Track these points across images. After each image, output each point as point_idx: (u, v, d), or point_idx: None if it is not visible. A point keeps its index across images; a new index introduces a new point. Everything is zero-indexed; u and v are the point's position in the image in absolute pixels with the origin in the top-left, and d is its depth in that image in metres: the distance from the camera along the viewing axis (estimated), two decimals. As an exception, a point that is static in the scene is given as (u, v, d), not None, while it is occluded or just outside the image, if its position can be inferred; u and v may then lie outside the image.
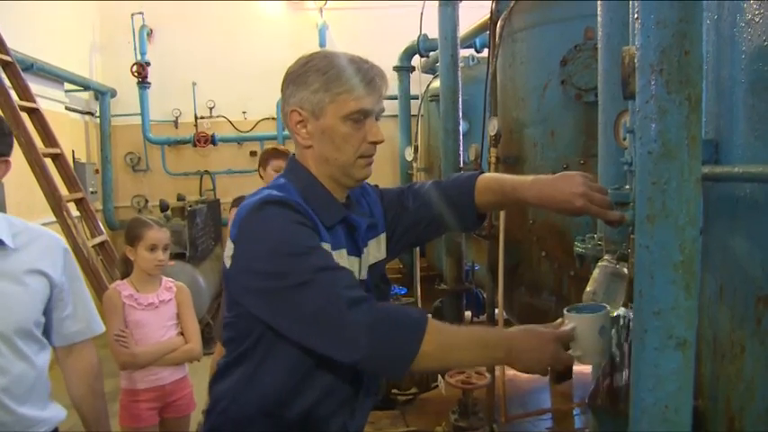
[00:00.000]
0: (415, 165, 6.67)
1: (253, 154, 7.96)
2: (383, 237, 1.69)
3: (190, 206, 6.30)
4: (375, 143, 1.50)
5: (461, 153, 4.21)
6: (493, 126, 3.61)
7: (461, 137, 4.24)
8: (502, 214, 3.52)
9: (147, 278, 2.85)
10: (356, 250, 1.56)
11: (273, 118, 8.03)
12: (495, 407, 3.65)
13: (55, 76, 6.28)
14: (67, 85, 6.81)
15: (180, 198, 6.82)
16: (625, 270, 1.66)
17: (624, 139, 1.80)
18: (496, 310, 3.78)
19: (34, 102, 4.76)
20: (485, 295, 3.98)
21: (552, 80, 3.41)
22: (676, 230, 0.98)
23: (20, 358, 1.70)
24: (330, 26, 8.13)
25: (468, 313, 4.48)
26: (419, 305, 5.32)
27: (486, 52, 5.51)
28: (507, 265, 3.50)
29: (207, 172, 7.93)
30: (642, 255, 1.03)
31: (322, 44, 7.98)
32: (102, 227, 4.98)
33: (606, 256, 1.82)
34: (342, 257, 1.49)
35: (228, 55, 7.92)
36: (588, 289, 1.81)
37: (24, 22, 5.43)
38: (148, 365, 2.78)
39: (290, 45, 7.80)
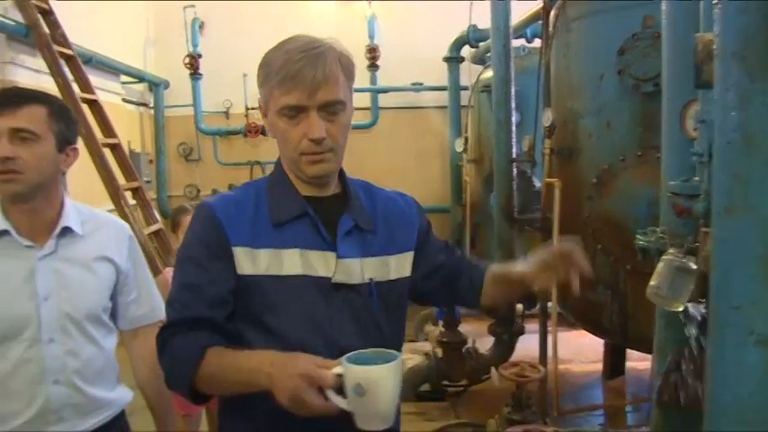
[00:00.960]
0: (464, 156, 6.63)
1: (302, 145, 7.98)
2: (402, 258, 1.60)
3: (241, 196, 6.38)
4: (314, 140, 1.42)
5: (514, 145, 4.18)
6: (547, 117, 3.56)
7: (514, 128, 4.20)
8: (556, 205, 3.47)
9: None
10: (326, 245, 1.49)
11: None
12: (548, 401, 3.62)
13: (112, 69, 6.43)
14: (124, 78, 6.96)
15: (231, 187, 6.92)
16: (692, 264, 1.62)
17: (694, 129, 1.75)
18: (549, 304, 3.74)
19: (94, 94, 4.88)
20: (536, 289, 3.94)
21: (609, 70, 3.35)
22: (758, 223, 0.95)
23: (90, 342, 1.76)
24: (379, 18, 8.10)
25: (519, 306, 4.44)
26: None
27: (537, 42, 5.45)
28: (562, 257, 3.45)
29: (257, 162, 8.01)
30: (720, 248, 1.00)
31: (371, 36, 7.99)
32: (156, 215, 5.09)
33: (671, 250, 1.78)
34: (293, 256, 1.48)
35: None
36: (652, 283, 1.78)
37: (84, 17, 5.55)
38: None
39: (339, 37, 7.74)
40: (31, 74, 4.80)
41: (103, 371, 1.78)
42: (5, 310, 1.65)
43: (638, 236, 2.11)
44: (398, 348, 1.55)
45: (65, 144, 1.74)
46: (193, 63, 7.77)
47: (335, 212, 1.52)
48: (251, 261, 1.46)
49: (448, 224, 7.57)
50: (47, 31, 4.58)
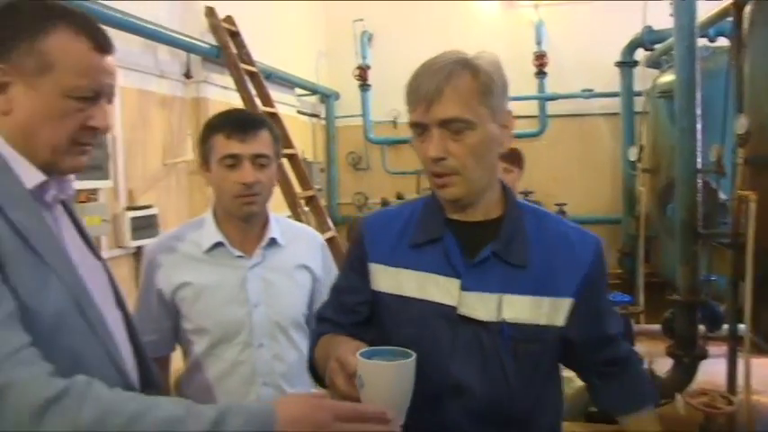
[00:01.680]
0: (638, 165, 6.31)
1: (468, 153, 7.98)
2: (557, 303, 1.43)
3: (409, 204, 6.49)
4: (431, 159, 1.38)
5: (698, 154, 3.90)
6: (741, 124, 3.29)
7: (699, 136, 3.92)
8: (751, 220, 3.20)
9: None
10: (453, 273, 1.43)
11: (488, 117, 7.99)
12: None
13: (289, 83, 6.78)
14: (298, 90, 7.31)
15: (399, 196, 7.04)
16: None
17: None
18: (740, 327, 3.45)
19: (273, 107, 5.17)
20: (722, 309, 3.66)
21: (817, 71, 3.05)
22: None
23: (293, 347, 1.87)
24: (547, 23, 7.93)
25: (701, 327, 4.14)
26: (644, 315, 5.03)
27: (721, 42, 5.07)
28: (756, 277, 3.17)
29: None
30: None
31: (539, 42, 7.84)
32: (329, 222, 5.28)
33: None
34: (411, 278, 1.45)
35: (445, 55, 8.01)
36: None
37: (264, 36, 5.89)
38: None
39: (506, 44, 7.72)
40: (220, 90, 5.17)
41: (303, 374, 1.89)
42: (223, 314, 1.79)
43: None
44: (530, 410, 1.42)
45: (278, 163, 1.88)
46: (362, 75, 8.01)
47: (482, 240, 1.43)
48: (383, 278, 1.48)
49: (618, 236, 7.24)
50: (234, 51, 4.92)
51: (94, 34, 1.20)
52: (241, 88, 4.78)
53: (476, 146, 1.36)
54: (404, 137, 8.12)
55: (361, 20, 8.11)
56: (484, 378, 1.39)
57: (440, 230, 1.45)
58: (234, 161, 1.77)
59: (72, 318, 1.12)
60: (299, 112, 7.33)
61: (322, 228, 5.10)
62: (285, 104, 6.54)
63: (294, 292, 1.88)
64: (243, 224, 1.84)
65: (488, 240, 1.43)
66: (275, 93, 5.51)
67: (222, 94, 5.18)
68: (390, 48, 8.18)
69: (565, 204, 7.22)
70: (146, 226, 4.22)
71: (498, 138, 1.42)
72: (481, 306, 1.40)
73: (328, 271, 2.00)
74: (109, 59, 1.23)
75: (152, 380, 1.36)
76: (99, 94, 1.21)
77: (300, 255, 1.93)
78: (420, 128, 1.41)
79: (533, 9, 7.93)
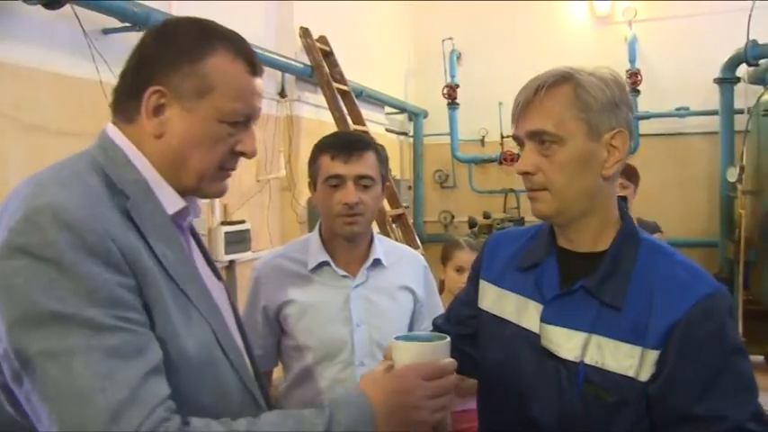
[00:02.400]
0: (738, 187, 6.05)
1: (556, 173, 7.86)
2: (646, 354, 1.26)
3: (497, 223, 6.43)
4: (520, 174, 1.37)
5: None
6: None
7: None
8: None
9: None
10: (541, 302, 1.38)
11: (577, 136, 7.83)
12: None
13: (378, 101, 6.87)
14: (387, 109, 7.40)
15: (486, 216, 7.00)
16: None
17: None
18: None
19: (364, 125, 5.25)
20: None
21: None
22: None
23: None
24: (640, 39, 7.74)
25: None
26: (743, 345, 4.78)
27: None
28: None
29: (511, 190, 8.01)
30: None
31: (632, 59, 7.64)
32: (417, 240, 5.30)
33: None
34: (510, 300, 1.43)
35: (534, 74, 7.84)
36: None
37: (354, 54, 6.00)
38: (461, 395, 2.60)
39: (598, 61, 7.51)
40: (312, 108, 5.30)
41: None
42: (326, 333, 1.84)
43: None
44: None
45: (384, 184, 1.91)
46: (451, 93, 8.03)
47: (582, 272, 1.34)
48: (488, 296, 1.48)
49: (715, 260, 6.93)
50: (327, 70, 5.04)
51: (249, 57, 1.18)
52: (333, 107, 4.88)
53: (566, 163, 1.28)
54: (491, 155, 8.08)
55: (450, 38, 8.13)
56: (560, 421, 1.31)
57: (543, 255, 1.41)
58: (337, 181, 1.82)
59: (213, 350, 1.12)
60: (387, 130, 7.41)
61: (411, 246, 5.13)
62: (374, 122, 6.63)
63: (396, 313, 1.91)
64: (347, 244, 1.88)
65: (587, 274, 1.33)
66: (365, 111, 5.60)
67: (314, 113, 5.31)
68: (479, 66, 8.18)
69: (659, 228, 6.98)
70: (239, 241, 4.35)
71: (598, 158, 1.31)
72: (564, 341, 1.31)
73: (430, 293, 2.02)
74: (259, 82, 1.21)
75: (268, 399, 1.36)
76: (250, 118, 1.19)
77: (403, 276, 1.95)
78: (517, 141, 1.38)
79: (626, 26, 7.76)
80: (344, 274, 1.88)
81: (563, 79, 1.33)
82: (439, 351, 1.18)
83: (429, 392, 1.12)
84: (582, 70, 1.33)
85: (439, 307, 2.05)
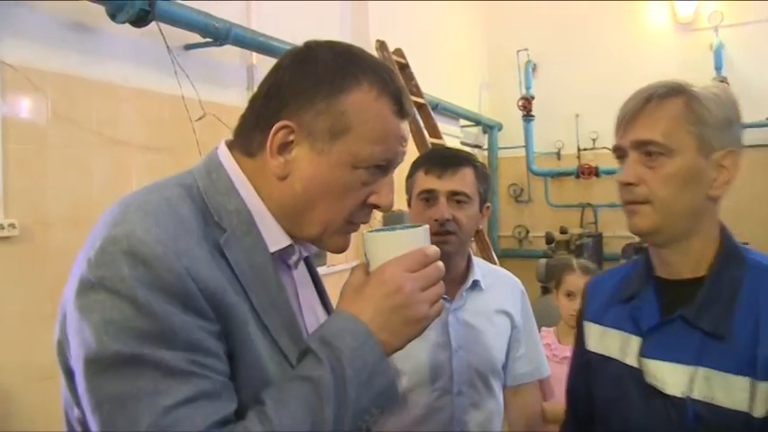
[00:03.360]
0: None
1: (638, 186, 7.58)
2: (756, 386, 1.15)
3: (575, 239, 6.22)
4: (622, 184, 1.29)
5: None
6: None
7: None
8: None
9: (571, 329, 2.47)
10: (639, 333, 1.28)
11: (661, 148, 7.52)
12: None
13: (453, 114, 6.78)
14: (462, 121, 7.29)
15: (563, 231, 6.78)
16: None
17: None
18: None
19: (441, 138, 5.17)
20: None
21: None
22: None
23: (491, 396, 1.79)
24: (727, 45, 7.40)
25: None
26: None
27: None
28: None
29: (589, 204, 7.77)
30: None
31: (718, 67, 7.31)
32: (494, 256, 5.17)
33: None
34: (613, 336, 1.34)
35: (612, 84, 7.59)
36: None
37: (428, 67, 5.93)
38: (546, 422, 2.47)
39: (681, 70, 7.24)
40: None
41: (496, 423, 1.80)
42: (423, 358, 1.75)
43: None
44: None
45: (483, 203, 1.81)
46: (526, 105, 7.84)
47: (682, 301, 1.24)
48: (592, 336, 1.40)
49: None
50: (403, 83, 4.98)
51: (397, 95, 1.03)
52: (410, 120, 4.81)
53: (672, 176, 1.22)
54: (567, 168, 7.86)
55: (525, 49, 7.97)
56: None
57: (640, 286, 1.33)
58: (429, 196, 1.74)
59: None
60: (462, 143, 7.30)
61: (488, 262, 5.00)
62: (449, 135, 6.54)
63: (494, 338, 1.81)
64: (444, 265, 1.78)
65: (688, 302, 1.24)
66: (440, 124, 5.51)
67: (387, 126, 5.26)
68: (555, 77, 8.00)
69: (747, 244, 6.62)
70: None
71: (707, 176, 1.24)
72: (669, 376, 1.22)
73: (527, 318, 1.91)
74: (405, 125, 1.07)
75: None
76: (391, 164, 1.05)
77: (501, 299, 1.85)
78: (619, 152, 1.31)
79: (712, 31, 7.43)
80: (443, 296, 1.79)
81: (675, 91, 1.27)
82: (419, 238, 1.04)
83: (420, 284, 1.00)
84: (694, 85, 1.27)
85: (535, 333, 1.93)
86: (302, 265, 1.20)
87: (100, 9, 2.77)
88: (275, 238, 1.03)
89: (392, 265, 0.98)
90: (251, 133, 1.03)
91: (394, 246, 1.01)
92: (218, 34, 3.20)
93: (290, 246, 1.05)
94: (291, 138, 0.99)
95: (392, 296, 0.97)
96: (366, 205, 1.05)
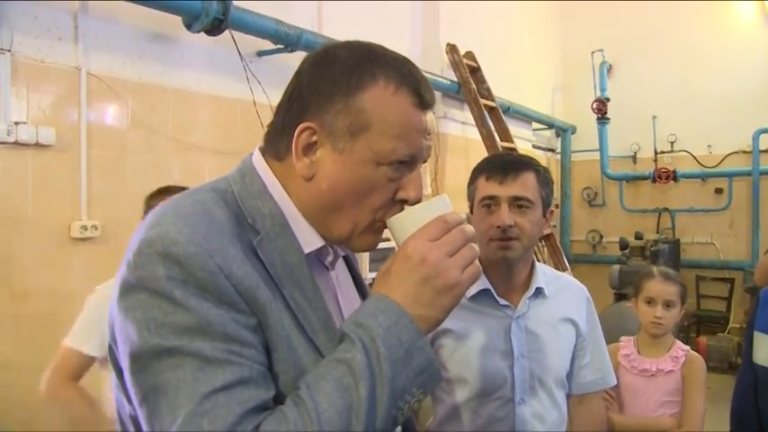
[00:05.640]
0: None
1: (718, 191, 7.29)
2: None
3: (651, 245, 6.04)
4: None
5: None
6: None
7: None
8: None
9: (651, 339, 2.43)
10: None
11: (746, 151, 7.21)
12: None
13: (526, 117, 6.70)
14: (534, 125, 7.19)
15: (638, 236, 6.59)
16: None
17: None
18: None
19: (512, 142, 5.11)
20: None
21: None
22: None
23: (554, 406, 1.74)
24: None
25: None
26: None
27: None
28: None
29: (666, 209, 7.53)
30: None
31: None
32: (566, 262, 5.08)
33: None
34: None
35: (692, 85, 7.43)
36: None
37: (501, 70, 5.87)
38: None
39: (765, 69, 7.01)
40: (459, 125, 5.24)
41: None
42: (484, 366, 1.72)
43: None
44: None
45: (547, 208, 1.78)
46: (601, 107, 7.65)
47: None
48: (763, 349, 1.30)
49: None
50: (474, 86, 4.95)
51: (417, 87, 1.02)
52: (480, 124, 4.79)
53: None
54: (643, 172, 7.64)
55: (600, 50, 7.80)
56: None
57: None
58: (491, 202, 1.71)
59: None
60: (534, 146, 7.21)
61: (559, 268, 4.92)
62: (521, 139, 6.47)
63: (558, 347, 1.76)
64: (507, 271, 1.76)
65: None
66: (511, 127, 5.45)
67: (461, 130, 5.24)
68: (631, 78, 7.80)
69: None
70: (383, 258, 4.32)
71: None
72: None
73: (593, 326, 1.85)
74: (429, 116, 1.06)
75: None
76: (416, 158, 1.03)
77: (566, 307, 1.80)
78: None
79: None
80: (505, 303, 1.76)
81: None
82: (437, 208, 0.99)
83: (446, 249, 0.95)
84: None
85: (601, 341, 1.88)
86: (343, 266, 1.21)
87: (176, 19, 2.88)
88: (309, 240, 1.03)
89: (413, 239, 0.96)
90: (278, 138, 1.04)
91: (413, 221, 0.98)
92: (290, 40, 3.26)
93: (324, 246, 1.06)
94: (315, 139, 1.00)
95: (418, 268, 0.94)
96: (394, 202, 1.04)
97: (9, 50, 2.40)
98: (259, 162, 1.06)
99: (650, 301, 2.41)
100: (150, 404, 0.87)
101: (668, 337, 2.44)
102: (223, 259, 0.90)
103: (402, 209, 1.04)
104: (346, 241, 1.05)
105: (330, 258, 1.10)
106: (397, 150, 0.99)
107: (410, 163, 1.02)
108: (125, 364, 0.90)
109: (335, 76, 1.00)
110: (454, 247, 0.95)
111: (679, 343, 2.45)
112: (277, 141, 1.05)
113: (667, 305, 2.39)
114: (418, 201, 1.03)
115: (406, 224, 0.99)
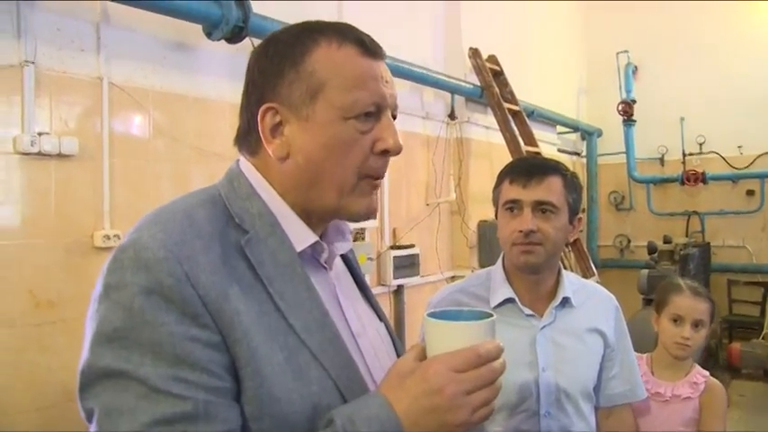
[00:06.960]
0: None
1: (749, 193, 7.16)
2: None
3: (680, 249, 5.93)
4: None
5: None
6: None
7: None
8: None
9: (670, 360, 2.20)
10: None
11: (777, 153, 7.09)
12: None
13: (550, 121, 6.62)
14: (559, 128, 7.12)
15: (666, 240, 6.47)
16: None
17: None
18: None
19: (536, 146, 5.06)
20: None
21: None
22: None
23: (581, 419, 1.70)
24: None
25: None
26: None
27: None
28: None
29: (695, 212, 7.40)
30: None
31: None
32: (593, 267, 5.00)
33: None
34: None
35: (721, 85, 7.30)
36: None
37: (524, 73, 5.82)
38: None
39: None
40: (482, 130, 5.19)
41: None
42: (509, 378, 1.68)
43: None
44: None
45: (574, 214, 1.74)
46: (627, 109, 7.55)
47: None
48: None
49: None
50: (497, 90, 4.91)
51: (359, 38, 1.03)
52: (504, 128, 4.74)
53: None
54: (671, 175, 7.52)
55: (626, 51, 7.70)
56: None
57: None
58: (514, 206, 1.68)
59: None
60: (559, 150, 7.12)
61: (586, 274, 4.84)
62: (545, 142, 6.39)
63: (585, 358, 1.71)
64: (532, 279, 1.72)
65: None
66: (536, 131, 5.40)
67: (484, 134, 5.19)
68: (657, 79, 7.69)
69: None
70: (407, 265, 4.32)
71: None
72: None
73: (621, 336, 1.80)
74: (383, 65, 1.04)
75: None
76: (380, 106, 1.02)
77: (593, 317, 1.75)
78: None
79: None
80: (530, 313, 1.71)
81: None
82: (477, 332, 0.93)
83: (466, 387, 0.90)
84: None
85: (630, 351, 1.82)
86: (343, 267, 1.20)
87: (197, 28, 2.88)
88: (301, 237, 1.02)
89: (438, 362, 0.91)
90: (247, 134, 1.05)
91: (451, 335, 0.93)
92: (309, 47, 3.25)
93: (318, 243, 1.04)
94: (278, 119, 1.00)
95: (431, 396, 0.90)
96: (375, 155, 1.02)
97: (33, 62, 2.42)
98: (244, 165, 1.07)
99: (677, 319, 2.18)
100: (96, 423, 0.86)
101: (689, 359, 2.23)
102: (191, 267, 0.88)
103: (387, 162, 1.03)
104: (338, 210, 1.04)
105: (325, 255, 1.07)
106: (359, 101, 0.99)
107: (376, 113, 1.02)
108: (77, 375, 0.89)
109: (280, 54, 1.01)
110: (475, 387, 0.91)
111: (698, 367, 2.24)
112: (247, 138, 1.06)
113: (696, 325, 2.17)
114: (398, 147, 1.01)
115: (440, 336, 0.94)
